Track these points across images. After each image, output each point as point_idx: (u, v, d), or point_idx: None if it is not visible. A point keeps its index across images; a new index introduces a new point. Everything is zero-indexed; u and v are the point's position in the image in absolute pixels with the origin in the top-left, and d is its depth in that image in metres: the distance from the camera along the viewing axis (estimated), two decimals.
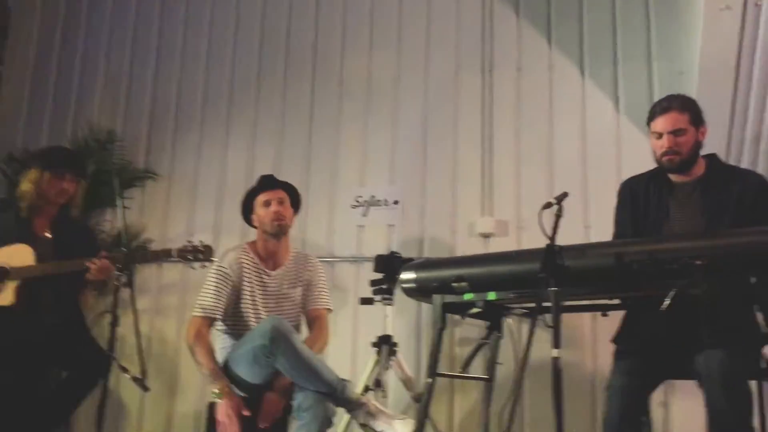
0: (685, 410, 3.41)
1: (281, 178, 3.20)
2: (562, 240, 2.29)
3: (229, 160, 4.29)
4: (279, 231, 3.07)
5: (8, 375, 2.91)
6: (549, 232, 2.15)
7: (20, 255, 2.93)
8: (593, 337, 3.61)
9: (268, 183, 3.15)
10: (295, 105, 4.28)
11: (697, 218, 2.45)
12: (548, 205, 2.19)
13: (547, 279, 2.08)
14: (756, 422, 2.21)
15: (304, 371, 2.69)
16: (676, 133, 2.47)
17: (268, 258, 3.10)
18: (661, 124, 2.49)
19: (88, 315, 3.11)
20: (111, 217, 4.22)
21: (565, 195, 2.23)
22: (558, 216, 2.18)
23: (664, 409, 3.46)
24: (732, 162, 3.41)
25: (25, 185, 3.05)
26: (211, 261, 3.12)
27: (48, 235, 3.06)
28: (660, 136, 2.49)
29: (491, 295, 2.43)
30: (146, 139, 4.42)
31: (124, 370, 2.66)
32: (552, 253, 2.10)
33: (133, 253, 3.17)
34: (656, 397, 3.32)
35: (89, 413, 3.56)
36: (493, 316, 2.77)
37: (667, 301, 2.03)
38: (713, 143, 2.82)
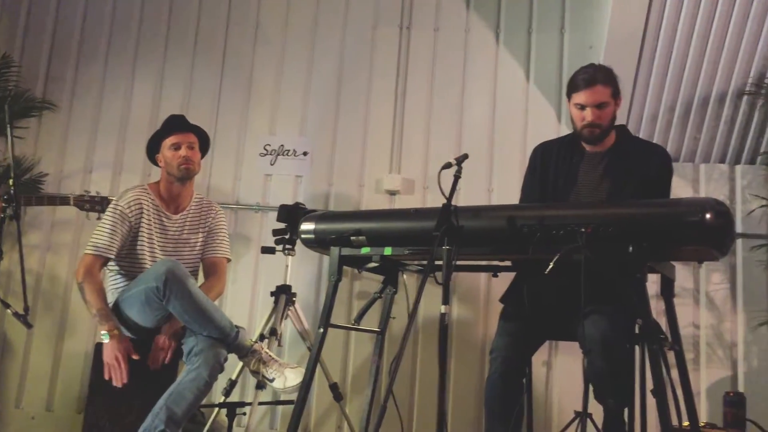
0: (566, 369, 3.61)
1: (189, 119, 3.10)
2: (465, 201, 2.34)
3: (134, 96, 4.12)
4: (185, 175, 3.00)
5: None
6: (448, 192, 2.19)
7: None
8: (487, 297, 3.74)
9: (179, 125, 3.05)
10: (207, 44, 4.14)
11: (602, 187, 2.51)
12: (448, 166, 2.22)
13: (440, 237, 2.13)
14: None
15: (196, 315, 2.67)
16: (600, 106, 2.47)
17: (170, 201, 3.03)
18: (585, 96, 2.47)
19: None
20: (2, 147, 4.00)
21: (465, 157, 2.27)
22: (456, 177, 2.22)
23: (547, 368, 3.65)
24: None
25: None
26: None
27: None
28: (583, 107, 2.49)
29: (387, 251, 2.47)
30: (46, 67, 4.18)
31: (6, 305, 2.57)
32: (447, 212, 2.15)
33: (29, 197, 3.07)
34: (539, 356, 3.50)
35: None
36: (389, 271, 2.82)
37: (550, 265, 2.11)
38: None
